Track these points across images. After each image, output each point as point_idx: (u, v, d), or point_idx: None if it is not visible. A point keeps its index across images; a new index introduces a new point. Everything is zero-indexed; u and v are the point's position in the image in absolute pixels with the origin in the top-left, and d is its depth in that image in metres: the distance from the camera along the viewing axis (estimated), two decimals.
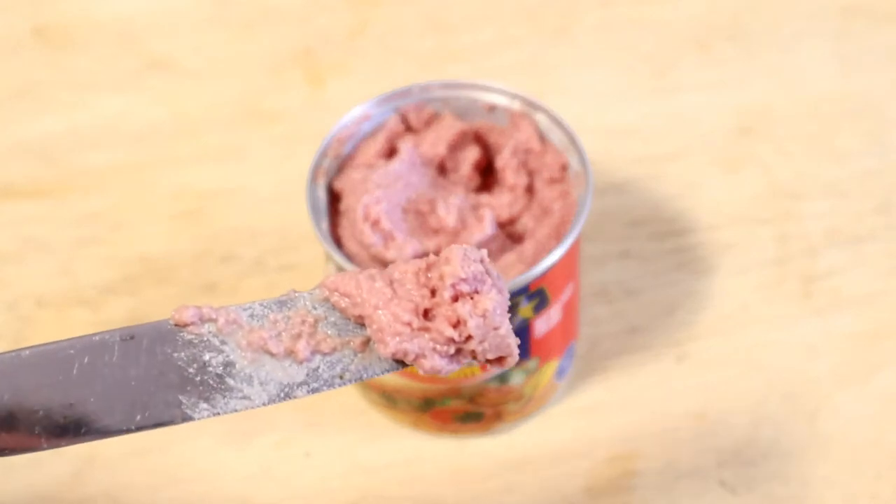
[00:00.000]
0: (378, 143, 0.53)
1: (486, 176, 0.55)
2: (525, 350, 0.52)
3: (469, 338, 0.38)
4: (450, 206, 0.52)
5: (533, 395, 0.54)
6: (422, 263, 0.39)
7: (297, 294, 0.39)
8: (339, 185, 0.52)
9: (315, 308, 0.39)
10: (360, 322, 0.39)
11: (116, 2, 0.75)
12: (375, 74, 0.70)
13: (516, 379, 0.53)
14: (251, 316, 0.39)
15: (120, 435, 0.37)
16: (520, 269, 0.50)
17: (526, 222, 0.52)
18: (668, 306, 0.60)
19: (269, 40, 0.73)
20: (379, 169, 0.52)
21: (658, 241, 0.62)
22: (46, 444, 0.37)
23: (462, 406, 0.53)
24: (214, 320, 0.38)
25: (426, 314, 0.39)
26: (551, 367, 0.54)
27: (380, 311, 0.38)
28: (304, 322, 0.39)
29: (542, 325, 0.51)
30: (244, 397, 0.38)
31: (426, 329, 0.39)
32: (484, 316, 0.38)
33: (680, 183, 0.64)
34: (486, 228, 0.51)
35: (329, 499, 0.54)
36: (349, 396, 0.57)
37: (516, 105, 0.54)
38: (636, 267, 0.61)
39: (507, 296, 0.39)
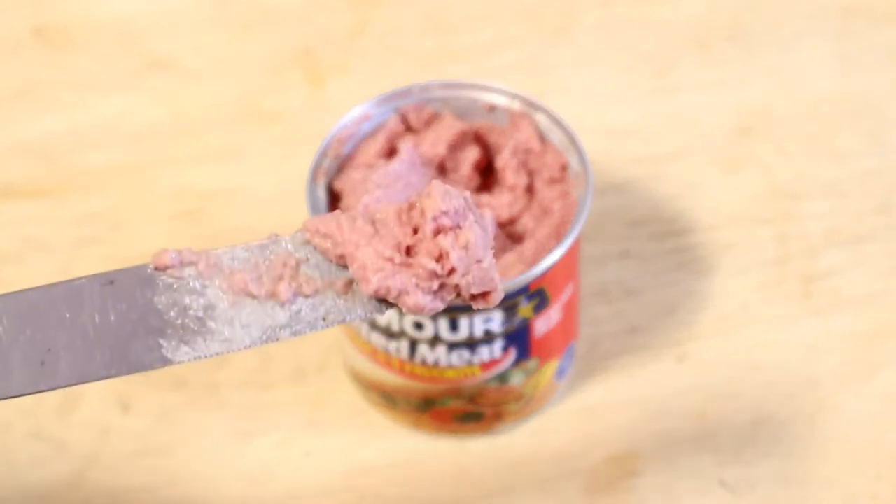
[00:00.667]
0: (378, 143, 0.53)
1: (486, 176, 0.55)
2: (525, 350, 0.52)
3: (452, 271, 0.38)
4: None
5: (533, 396, 0.54)
6: (403, 204, 0.39)
7: (278, 237, 0.39)
8: (339, 185, 0.52)
9: (297, 251, 0.39)
10: (343, 263, 0.38)
11: (116, 2, 0.75)
12: (375, 74, 0.70)
13: (516, 379, 0.53)
14: (232, 259, 0.38)
15: (100, 380, 0.37)
16: (520, 269, 0.50)
17: (526, 222, 0.52)
18: (668, 306, 0.60)
19: (269, 40, 0.73)
20: (379, 169, 0.52)
21: (658, 241, 0.62)
22: (25, 390, 0.37)
23: (462, 406, 0.53)
24: (195, 264, 0.38)
25: (409, 251, 0.38)
26: (551, 367, 0.54)
27: (362, 249, 0.38)
28: (285, 265, 0.38)
29: (542, 325, 0.51)
30: (225, 340, 0.38)
31: (408, 265, 0.38)
32: (466, 248, 0.38)
33: (680, 183, 0.64)
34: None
35: (329, 499, 0.54)
36: (349, 396, 0.57)
37: (516, 105, 0.54)
38: (636, 267, 0.61)
39: (491, 234, 0.39)
